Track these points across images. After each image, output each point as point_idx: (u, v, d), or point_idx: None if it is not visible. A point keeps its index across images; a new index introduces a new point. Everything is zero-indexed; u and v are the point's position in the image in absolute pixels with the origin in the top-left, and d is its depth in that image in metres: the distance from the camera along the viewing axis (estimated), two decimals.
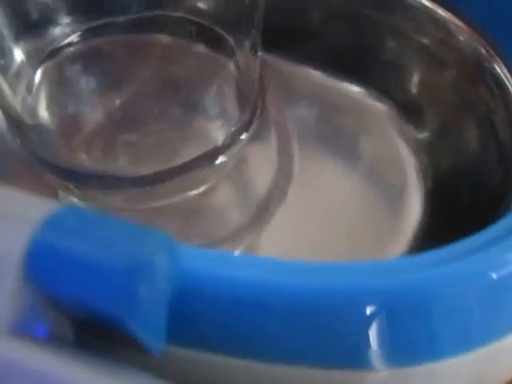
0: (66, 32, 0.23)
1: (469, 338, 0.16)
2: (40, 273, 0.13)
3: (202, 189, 0.22)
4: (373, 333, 0.15)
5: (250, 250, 0.23)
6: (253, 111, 0.23)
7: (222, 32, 0.23)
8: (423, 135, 0.25)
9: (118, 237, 0.13)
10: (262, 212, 0.23)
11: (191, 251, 0.16)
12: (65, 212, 0.13)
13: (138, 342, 0.14)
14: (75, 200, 0.22)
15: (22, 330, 0.13)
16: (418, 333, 0.16)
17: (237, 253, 0.22)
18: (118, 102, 0.23)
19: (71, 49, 0.23)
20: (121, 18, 0.23)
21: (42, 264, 0.13)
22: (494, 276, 0.16)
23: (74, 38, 0.23)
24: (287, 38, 0.26)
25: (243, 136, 0.23)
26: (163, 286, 0.13)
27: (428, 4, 0.24)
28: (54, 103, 0.23)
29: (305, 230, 0.23)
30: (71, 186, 0.22)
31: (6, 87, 0.22)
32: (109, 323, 0.13)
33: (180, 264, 0.14)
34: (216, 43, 0.23)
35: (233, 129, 0.23)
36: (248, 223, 0.23)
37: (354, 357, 0.16)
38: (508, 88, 0.22)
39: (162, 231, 0.14)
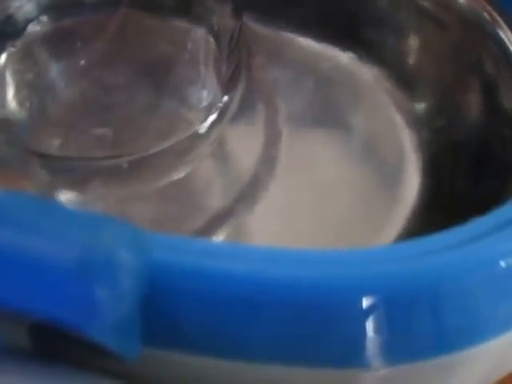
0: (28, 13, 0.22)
1: (476, 331, 0.15)
2: None
3: (182, 173, 0.21)
4: (372, 327, 0.14)
5: (234, 237, 0.21)
6: (236, 84, 0.22)
7: None
8: (420, 106, 0.23)
9: (66, 227, 0.11)
10: (247, 194, 0.22)
11: (163, 240, 0.14)
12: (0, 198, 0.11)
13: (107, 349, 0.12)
14: (45, 191, 0.21)
15: None
16: (421, 326, 0.14)
17: (217, 241, 0.20)
18: (88, 86, 0.22)
19: (35, 32, 0.22)
20: None
21: None
22: (503, 264, 0.15)
23: (37, 20, 0.22)
24: (271, 1, 0.24)
25: (226, 114, 0.22)
26: (127, 284, 0.12)
27: None
28: (21, 92, 0.22)
29: (294, 213, 0.21)
30: (42, 176, 0.21)
31: None
32: (68, 329, 0.11)
33: (149, 256, 0.12)
34: (192, 9, 0.22)
35: (214, 108, 0.21)
36: (231, 206, 0.22)
37: (352, 355, 0.14)
38: None
39: (124, 219, 0.12)
